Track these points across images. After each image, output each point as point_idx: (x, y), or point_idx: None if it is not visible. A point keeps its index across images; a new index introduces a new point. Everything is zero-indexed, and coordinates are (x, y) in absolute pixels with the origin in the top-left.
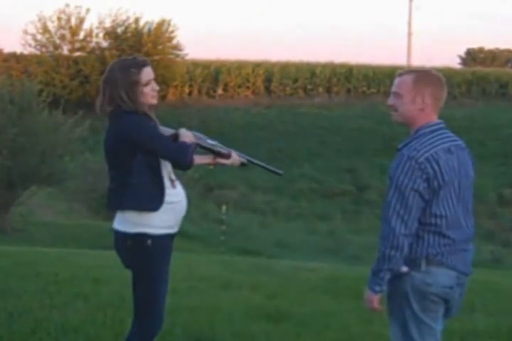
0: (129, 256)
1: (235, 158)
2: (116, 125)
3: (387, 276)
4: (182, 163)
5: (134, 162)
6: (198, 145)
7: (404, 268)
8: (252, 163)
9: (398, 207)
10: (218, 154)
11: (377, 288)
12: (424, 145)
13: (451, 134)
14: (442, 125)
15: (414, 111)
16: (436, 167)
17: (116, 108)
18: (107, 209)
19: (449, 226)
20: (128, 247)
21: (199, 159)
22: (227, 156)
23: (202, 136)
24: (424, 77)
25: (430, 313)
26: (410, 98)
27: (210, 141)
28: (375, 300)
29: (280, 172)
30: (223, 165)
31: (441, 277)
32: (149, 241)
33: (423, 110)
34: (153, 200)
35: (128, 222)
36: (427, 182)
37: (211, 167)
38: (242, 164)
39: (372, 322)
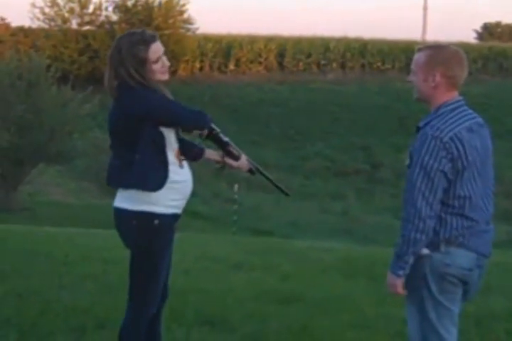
0: (132, 236)
1: (244, 162)
2: (124, 100)
3: (411, 260)
4: (200, 123)
5: (139, 139)
6: (212, 134)
7: (426, 251)
8: (261, 173)
9: (423, 188)
10: (229, 153)
11: (401, 272)
12: (447, 125)
13: (471, 111)
14: (462, 102)
15: (428, 88)
16: (460, 147)
17: (123, 83)
18: (108, 185)
19: (472, 208)
20: (133, 227)
21: (209, 154)
22: (237, 158)
23: (217, 128)
24: (437, 55)
25: (448, 295)
26: (423, 76)
27: (223, 137)
28: (399, 284)
29: (288, 193)
30: (231, 166)
31: (460, 258)
32: (156, 221)
33: (436, 88)
34: (157, 179)
35: (133, 199)
36: (452, 162)
37: (217, 166)
38: (250, 171)
39: (387, 303)
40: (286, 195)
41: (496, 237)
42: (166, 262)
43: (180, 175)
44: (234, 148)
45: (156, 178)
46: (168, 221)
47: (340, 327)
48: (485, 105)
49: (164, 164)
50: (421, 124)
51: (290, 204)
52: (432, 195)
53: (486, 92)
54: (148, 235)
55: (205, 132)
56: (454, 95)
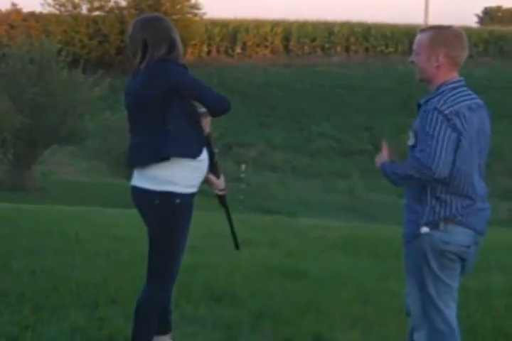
0: (154, 215)
1: (222, 182)
2: (158, 71)
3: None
4: (223, 105)
5: (171, 109)
6: (208, 138)
7: (425, 229)
8: (226, 211)
9: (433, 151)
10: (213, 165)
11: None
12: (448, 101)
13: (471, 92)
14: (463, 82)
15: (431, 68)
16: (461, 121)
17: (161, 58)
18: (130, 166)
19: (470, 187)
20: (155, 206)
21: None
22: (218, 175)
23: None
24: (439, 36)
25: (447, 271)
26: (426, 56)
27: (215, 147)
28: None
29: (238, 246)
30: (208, 180)
31: (459, 236)
32: (178, 200)
33: (439, 68)
34: (196, 145)
35: (156, 180)
36: (454, 133)
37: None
38: (221, 197)
39: (388, 280)
40: (236, 247)
41: (497, 215)
42: (186, 239)
43: (203, 154)
44: (218, 164)
45: (194, 145)
46: (188, 200)
47: (344, 302)
48: (486, 87)
49: (198, 132)
50: (422, 101)
51: (296, 183)
52: (443, 157)
53: (487, 75)
54: (170, 214)
55: (207, 132)
56: (455, 75)
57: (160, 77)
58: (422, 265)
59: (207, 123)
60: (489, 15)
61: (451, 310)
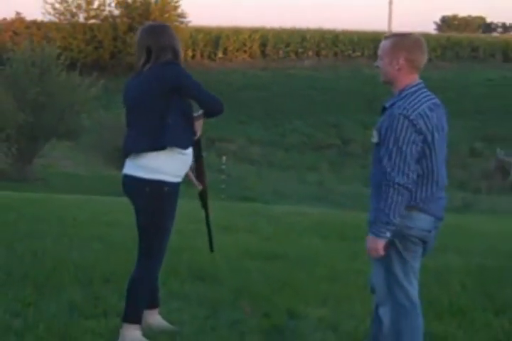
0: (144, 201)
1: (198, 184)
2: (162, 71)
3: (397, 221)
4: (217, 106)
5: (171, 107)
6: (198, 141)
7: None
8: (207, 214)
9: (398, 161)
10: (198, 168)
11: (388, 234)
12: (411, 105)
13: (430, 93)
14: (422, 84)
15: (393, 71)
16: (426, 123)
17: (169, 60)
18: (126, 153)
19: (434, 178)
20: (146, 193)
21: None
22: (202, 178)
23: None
24: (400, 41)
25: (411, 253)
26: (388, 60)
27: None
28: (381, 246)
29: (213, 249)
30: (190, 178)
31: (421, 222)
32: (166, 188)
33: (400, 70)
34: (188, 139)
35: (148, 169)
36: (420, 136)
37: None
38: (200, 193)
39: (355, 260)
40: (211, 250)
41: (452, 203)
42: (172, 223)
43: (190, 148)
44: (204, 169)
45: (187, 137)
46: (175, 188)
47: (315, 281)
48: (443, 88)
49: (191, 128)
50: (387, 105)
51: (272, 175)
52: (407, 165)
53: (444, 77)
54: (159, 200)
55: (199, 135)
56: (415, 78)
57: (165, 77)
58: (389, 247)
59: (199, 126)
60: (446, 23)
61: (413, 288)
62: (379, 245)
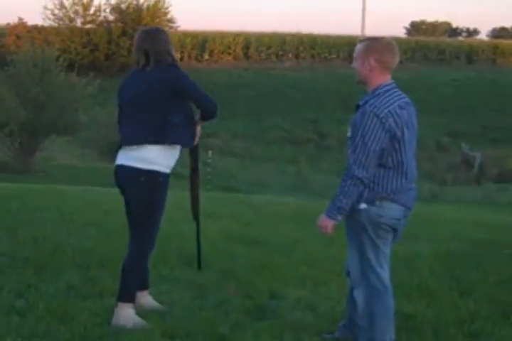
0: (139, 190)
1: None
2: (163, 73)
3: (347, 208)
4: (213, 111)
5: (174, 105)
6: (196, 146)
7: (364, 205)
8: (198, 228)
9: (361, 155)
10: (193, 171)
11: (339, 217)
12: (383, 103)
13: (401, 92)
14: (394, 84)
15: (365, 71)
16: (395, 120)
17: (170, 63)
18: (124, 144)
19: (404, 171)
20: (141, 182)
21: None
22: (196, 186)
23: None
24: (372, 44)
25: (382, 239)
26: (361, 61)
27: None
28: (331, 226)
29: (200, 267)
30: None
31: (391, 211)
32: (160, 179)
33: (372, 71)
34: (188, 138)
35: (144, 160)
36: (389, 133)
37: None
38: (193, 206)
39: (331, 246)
40: (199, 267)
41: (420, 194)
42: (163, 211)
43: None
44: (199, 175)
45: (188, 136)
46: (167, 179)
47: (294, 265)
48: (412, 88)
49: (192, 127)
50: (360, 103)
51: (253, 167)
52: (368, 161)
53: (414, 77)
54: (152, 189)
55: (197, 139)
56: (388, 78)
57: (166, 79)
58: (362, 234)
59: (198, 131)
60: (415, 27)
61: (385, 272)
62: (329, 224)
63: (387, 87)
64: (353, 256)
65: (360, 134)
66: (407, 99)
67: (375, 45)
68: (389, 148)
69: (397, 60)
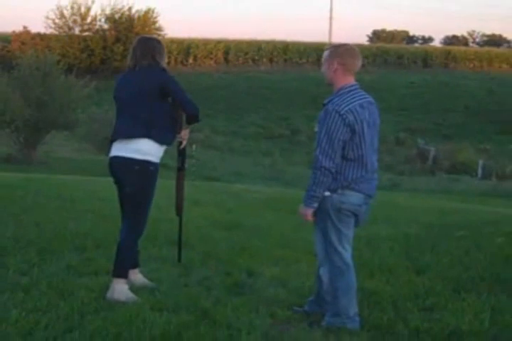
0: (133, 178)
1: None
2: (155, 75)
3: (321, 196)
4: (195, 114)
5: (159, 105)
6: (183, 152)
7: (327, 193)
8: (180, 223)
9: (327, 147)
10: (180, 174)
11: (315, 205)
12: (344, 102)
13: (364, 92)
14: (357, 86)
15: (330, 73)
16: (354, 117)
17: (151, 65)
18: (117, 137)
19: (364, 162)
20: (135, 170)
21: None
22: (181, 187)
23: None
24: (335, 50)
25: (344, 223)
26: (327, 65)
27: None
28: (309, 213)
29: (180, 260)
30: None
31: (352, 198)
32: (151, 168)
33: (335, 72)
34: (172, 138)
35: (139, 151)
36: (349, 128)
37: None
38: (177, 205)
39: (301, 230)
40: (179, 260)
41: (381, 183)
42: (153, 198)
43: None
44: (183, 183)
45: (172, 138)
46: (157, 168)
47: (269, 246)
48: (374, 89)
49: (175, 127)
50: (326, 101)
51: (233, 159)
52: (334, 152)
53: (375, 80)
54: (145, 177)
55: (184, 143)
56: (351, 80)
57: (154, 80)
58: (326, 219)
59: (185, 134)
60: (376, 35)
61: (347, 252)
62: (308, 212)
63: (350, 88)
64: (319, 238)
65: (324, 129)
66: (370, 99)
67: (338, 50)
68: (350, 142)
69: (358, 63)
